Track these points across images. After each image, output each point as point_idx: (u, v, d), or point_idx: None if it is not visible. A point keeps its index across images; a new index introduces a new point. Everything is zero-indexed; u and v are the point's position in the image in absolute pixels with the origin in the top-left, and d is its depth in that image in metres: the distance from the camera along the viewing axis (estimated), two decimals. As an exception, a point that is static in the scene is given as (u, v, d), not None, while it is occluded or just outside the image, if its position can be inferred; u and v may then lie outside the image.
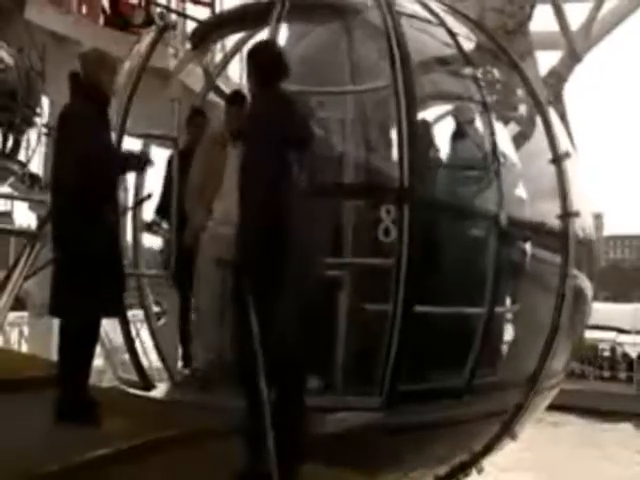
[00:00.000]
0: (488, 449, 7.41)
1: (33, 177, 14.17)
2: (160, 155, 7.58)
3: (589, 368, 31.74)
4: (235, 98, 6.73)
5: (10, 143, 14.06)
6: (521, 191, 7.46)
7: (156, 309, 7.88)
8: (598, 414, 27.62)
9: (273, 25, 6.68)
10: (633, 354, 33.51)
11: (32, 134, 14.36)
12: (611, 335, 33.51)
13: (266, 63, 4.67)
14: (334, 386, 6.30)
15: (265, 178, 4.28)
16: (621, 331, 34.79)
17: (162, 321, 7.82)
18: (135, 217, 7.62)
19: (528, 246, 7.55)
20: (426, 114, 7.21)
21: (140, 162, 5.73)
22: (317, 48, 7.61)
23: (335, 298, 6.42)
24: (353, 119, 7.16)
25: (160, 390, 6.94)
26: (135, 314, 7.65)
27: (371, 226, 6.43)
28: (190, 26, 13.62)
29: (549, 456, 20.03)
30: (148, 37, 7.88)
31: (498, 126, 7.25)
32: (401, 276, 6.00)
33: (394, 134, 7.00)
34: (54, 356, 5.58)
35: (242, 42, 8.22)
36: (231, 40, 8.63)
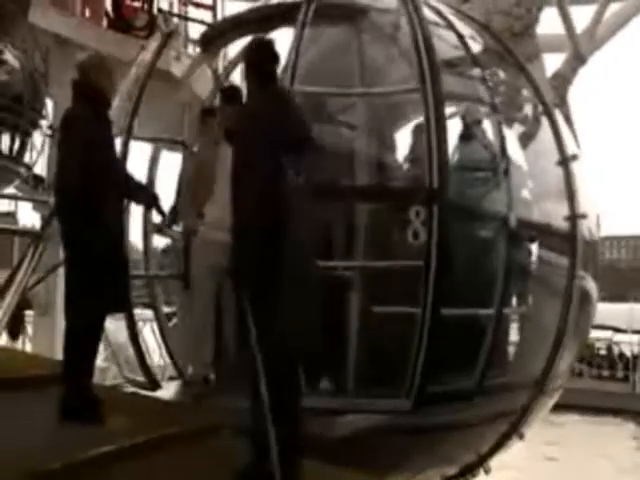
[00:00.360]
0: (496, 449, 7.43)
1: (37, 178, 14.23)
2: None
3: (586, 367, 31.76)
4: (230, 94, 6.66)
5: (16, 145, 14.15)
6: (528, 192, 7.47)
7: (167, 309, 7.91)
8: (595, 412, 27.69)
9: (298, 26, 6.67)
10: (629, 353, 33.63)
11: (37, 136, 14.44)
12: (607, 334, 33.58)
13: (261, 61, 4.65)
14: (358, 389, 6.29)
15: (262, 179, 4.27)
16: (617, 330, 34.88)
17: (174, 321, 7.85)
18: (146, 219, 7.64)
19: (536, 248, 7.56)
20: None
21: (148, 198, 5.74)
22: (338, 50, 7.60)
23: (349, 300, 6.42)
24: (379, 121, 7.19)
25: (167, 390, 6.99)
26: (138, 313, 7.67)
27: (395, 228, 6.46)
28: (192, 29, 13.76)
29: (548, 454, 20.07)
30: (153, 43, 7.92)
31: (506, 127, 7.28)
32: (430, 278, 5.98)
33: (419, 136, 7.05)
34: (58, 355, 5.62)
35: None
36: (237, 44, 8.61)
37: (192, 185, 6.81)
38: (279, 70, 4.90)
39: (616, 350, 34.84)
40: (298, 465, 4.26)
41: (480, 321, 6.71)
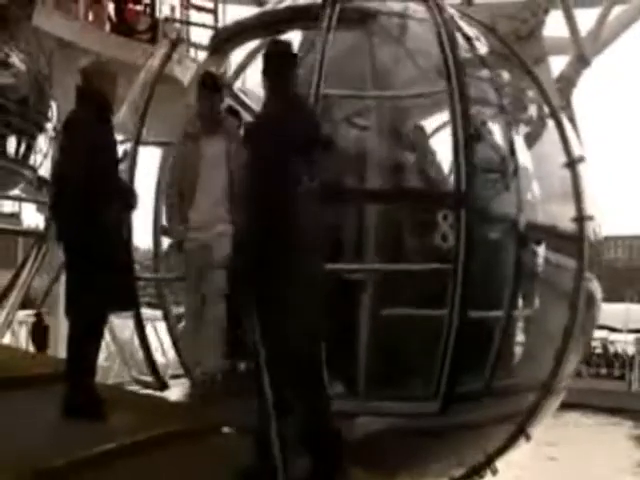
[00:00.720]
0: (503, 451, 7.44)
1: (41, 180, 14.27)
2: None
3: (584, 366, 31.78)
4: (207, 83, 6.60)
5: (22, 148, 14.19)
6: (535, 194, 7.48)
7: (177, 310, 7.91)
8: (592, 411, 27.76)
9: (324, 30, 6.62)
10: (625, 352, 33.73)
11: (41, 138, 14.50)
12: (603, 334, 33.64)
13: (278, 63, 4.66)
14: (380, 392, 6.27)
15: (272, 180, 4.27)
16: (613, 330, 34.94)
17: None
18: (155, 221, 7.66)
19: (544, 250, 7.56)
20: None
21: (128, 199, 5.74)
22: (355, 52, 7.57)
23: (370, 302, 6.38)
24: (401, 123, 7.21)
25: (174, 390, 7.02)
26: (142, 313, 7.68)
27: (422, 231, 6.47)
28: (194, 33, 13.86)
29: (547, 453, 20.08)
30: (161, 50, 7.98)
31: (514, 129, 7.30)
32: (458, 280, 5.98)
33: (444, 140, 7.06)
34: (61, 354, 5.66)
35: (258, 49, 8.21)
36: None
37: (177, 188, 6.81)
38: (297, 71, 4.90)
39: (612, 349, 34.90)
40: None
41: (490, 323, 6.72)
